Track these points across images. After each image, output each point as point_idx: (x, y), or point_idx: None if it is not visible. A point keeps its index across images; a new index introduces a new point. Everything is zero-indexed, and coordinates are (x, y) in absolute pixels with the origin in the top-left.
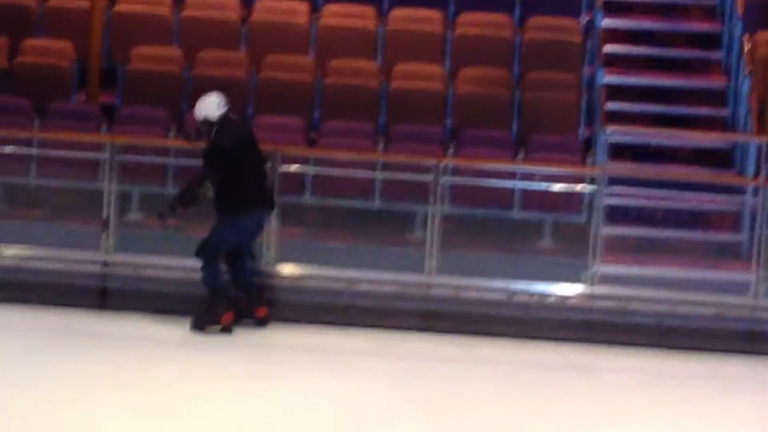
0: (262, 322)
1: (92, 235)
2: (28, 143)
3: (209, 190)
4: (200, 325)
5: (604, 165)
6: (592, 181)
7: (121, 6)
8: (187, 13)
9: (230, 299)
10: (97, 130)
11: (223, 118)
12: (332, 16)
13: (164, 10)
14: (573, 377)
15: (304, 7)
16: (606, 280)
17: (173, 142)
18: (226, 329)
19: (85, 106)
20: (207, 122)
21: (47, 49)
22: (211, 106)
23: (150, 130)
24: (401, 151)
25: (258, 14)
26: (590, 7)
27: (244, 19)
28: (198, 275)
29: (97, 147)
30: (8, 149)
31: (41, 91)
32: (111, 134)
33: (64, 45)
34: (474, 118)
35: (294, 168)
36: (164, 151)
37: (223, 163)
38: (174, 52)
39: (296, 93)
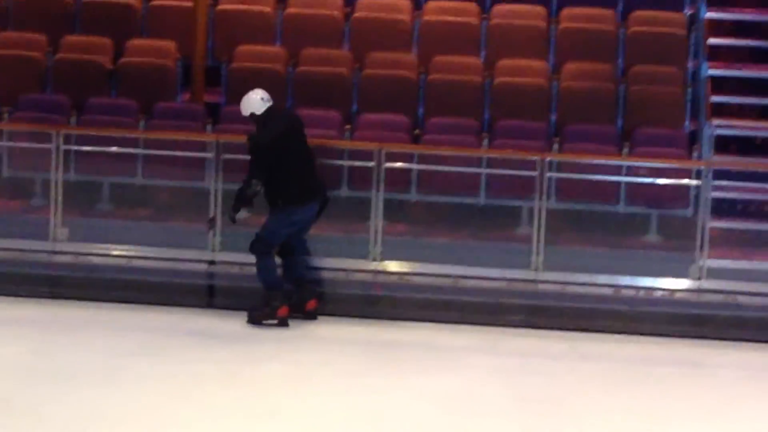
0: (311, 316)
1: (198, 234)
2: (133, 143)
3: (259, 186)
4: (256, 318)
5: (710, 158)
6: (698, 174)
7: (224, 4)
8: (290, 10)
9: (285, 293)
10: (202, 129)
11: (269, 112)
12: (435, 12)
13: (267, 7)
14: (681, 372)
15: (406, 4)
16: (713, 274)
17: None
18: (283, 323)
19: (189, 105)
20: (254, 118)
21: (151, 49)
22: (255, 102)
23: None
24: (505, 147)
25: (361, 11)
26: None
27: (347, 17)
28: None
29: (203, 146)
30: (114, 149)
31: (146, 91)
32: (216, 133)
33: (168, 44)
34: (578, 113)
35: (398, 165)
36: None
37: (265, 160)
38: (277, 49)
39: (400, 90)
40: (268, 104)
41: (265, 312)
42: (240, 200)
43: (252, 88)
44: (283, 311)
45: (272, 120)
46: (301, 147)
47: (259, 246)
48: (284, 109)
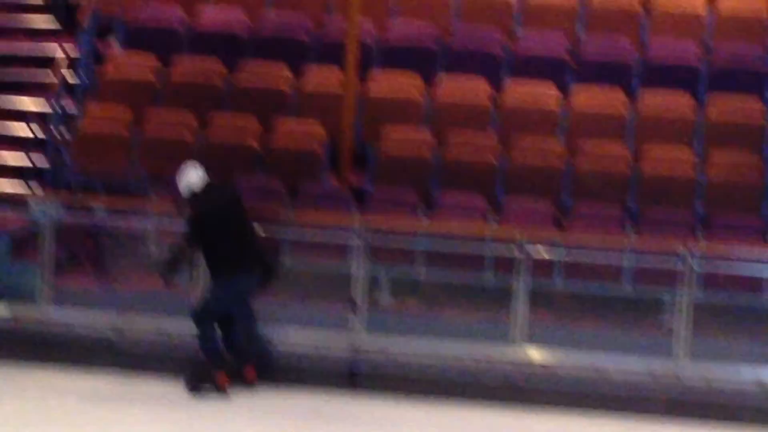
0: (250, 384)
1: (342, 318)
2: (281, 223)
3: (193, 255)
4: (194, 386)
5: None
6: None
7: (372, 88)
8: (438, 96)
9: (225, 361)
10: (347, 213)
11: (206, 186)
12: (582, 100)
13: (415, 92)
14: None
15: (554, 91)
16: None
17: (424, 225)
18: (222, 391)
19: (335, 188)
20: (190, 192)
21: (299, 132)
22: (192, 176)
23: (400, 213)
24: (651, 237)
25: (508, 98)
26: None
27: (495, 103)
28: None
29: (348, 229)
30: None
31: (293, 173)
32: (361, 217)
33: (316, 127)
34: (724, 203)
35: (543, 252)
36: (414, 234)
37: (197, 230)
38: (424, 134)
39: (546, 177)
40: (205, 179)
41: (203, 380)
42: (169, 265)
43: (398, 172)
44: (222, 380)
45: (210, 193)
46: (240, 218)
47: (200, 314)
48: (222, 182)
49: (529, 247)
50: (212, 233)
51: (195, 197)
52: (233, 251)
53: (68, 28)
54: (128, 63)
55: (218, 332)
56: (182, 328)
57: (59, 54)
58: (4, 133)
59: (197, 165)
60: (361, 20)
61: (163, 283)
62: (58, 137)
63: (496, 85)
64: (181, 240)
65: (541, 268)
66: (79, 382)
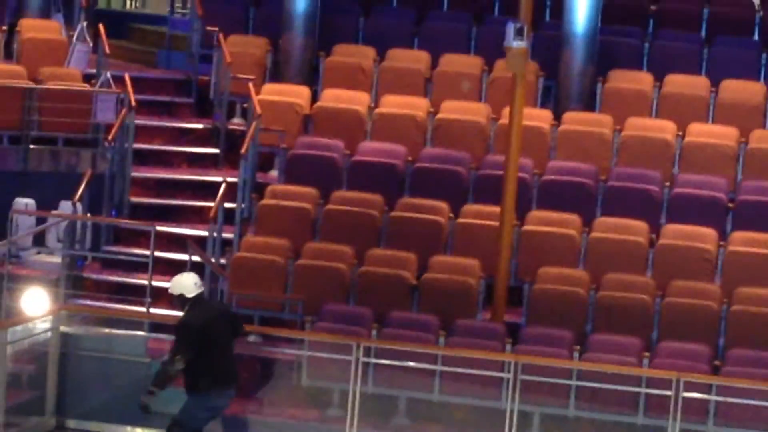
0: None
1: None
2: (432, 358)
3: (182, 365)
4: None
5: None
6: None
7: (529, 225)
8: (595, 234)
9: None
10: (501, 348)
11: (197, 297)
12: (741, 242)
13: (572, 230)
14: None
15: (712, 233)
16: None
17: (577, 364)
18: None
19: (490, 323)
20: (182, 298)
21: (455, 266)
22: (188, 285)
23: (554, 351)
24: None
25: (665, 238)
26: None
27: (652, 243)
28: None
29: (500, 365)
30: (412, 364)
31: (447, 308)
32: (515, 353)
33: (472, 262)
34: None
35: (696, 395)
36: (567, 372)
37: (193, 340)
38: (580, 273)
39: (701, 319)
40: (199, 290)
41: None
42: (158, 381)
43: (553, 310)
44: None
45: (201, 305)
46: (227, 336)
47: (177, 430)
48: (214, 300)
49: (683, 389)
50: (206, 346)
51: (190, 306)
52: (224, 366)
53: (229, 158)
54: (287, 194)
55: None
56: None
57: (219, 183)
58: (163, 258)
59: (195, 276)
60: (521, 159)
61: (143, 412)
62: (216, 264)
63: (654, 225)
64: (172, 351)
65: (695, 409)
66: None
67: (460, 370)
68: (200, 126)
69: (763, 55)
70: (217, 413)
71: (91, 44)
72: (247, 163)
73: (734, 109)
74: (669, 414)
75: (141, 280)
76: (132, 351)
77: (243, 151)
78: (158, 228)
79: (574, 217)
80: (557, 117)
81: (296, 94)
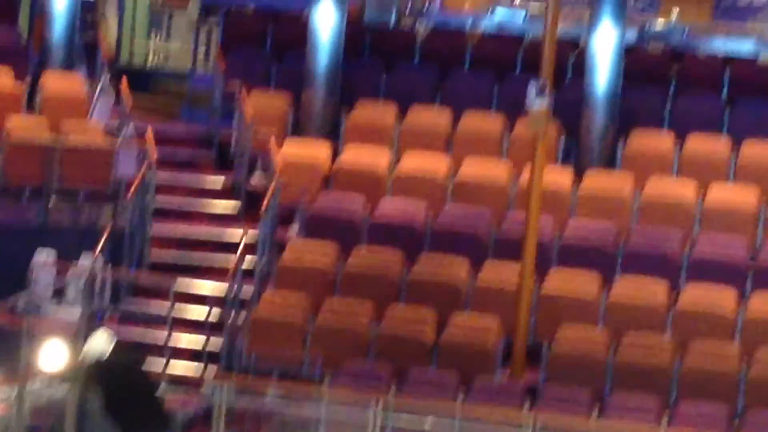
0: None
1: None
2: (451, 416)
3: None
4: None
5: None
6: None
7: (549, 285)
8: (614, 295)
9: None
10: (519, 408)
11: (115, 355)
12: (760, 304)
13: (592, 291)
14: None
15: (731, 295)
16: None
17: (595, 424)
18: None
19: (508, 382)
20: (100, 359)
21: (474, 325)
22: (101, 341)
23: (572, 410)
24: None
25: (685, 301)
26: None
27: (671, 305)
28: None
29: (519, 424)
30: (429, 422)
31: (466, 367)
32: (533, 412)
33: (491, 322)
34: None
35: None
36: None
37: (113, 399)
38: (599, 333)
39: (720, 381)
40: (113, 346)
41: None
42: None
43: (572, 370)
44: None
45: (121, 361)
46: (149, 388)
47: None
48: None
49: None
50: (125, 402)
51: (106, 365)
52: (144, 422)
53: (249, 214)
54: (307, 251)
55: None
56: None
57: (239, 239)
58: (182, 315)
59: (109, 330)
60: (541, 217)
61: None
62: (235, 321)
63: (674, 286)
64: (98, 413)
65: None
66: None
67: (478, 428)
68: (221, 180)
69: None
70: None
71: (114, 97)
72: (266, 220)
73: (756, 168)
74: None
75: (160, 333)
76: None
77: (263, 208)
78: (178, 283)
79: (593, 277)
80: (578, 175)
81: (317, 149)
